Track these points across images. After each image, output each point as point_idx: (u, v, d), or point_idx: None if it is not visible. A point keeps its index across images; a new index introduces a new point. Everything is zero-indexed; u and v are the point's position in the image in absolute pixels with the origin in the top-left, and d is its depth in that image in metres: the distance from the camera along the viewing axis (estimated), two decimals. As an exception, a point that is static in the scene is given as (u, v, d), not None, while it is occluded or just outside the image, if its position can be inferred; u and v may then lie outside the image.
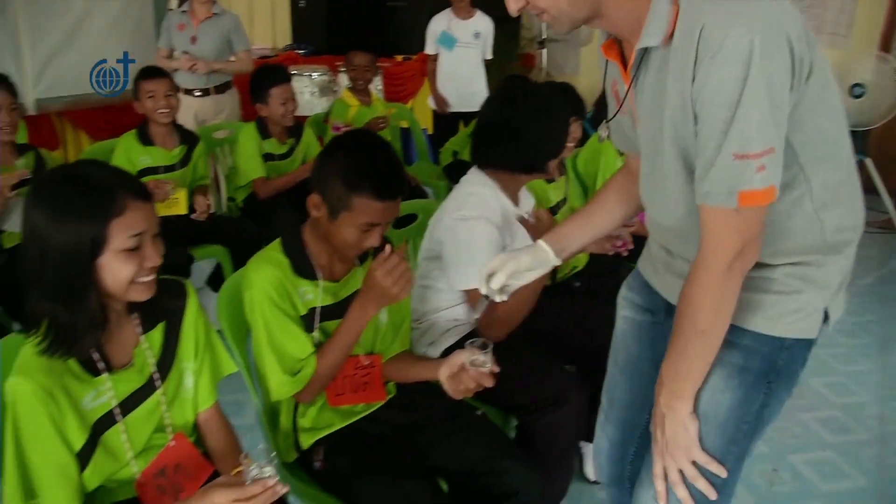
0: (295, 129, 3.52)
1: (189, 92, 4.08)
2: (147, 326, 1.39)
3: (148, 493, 1.37)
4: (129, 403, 1.34)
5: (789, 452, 2.57)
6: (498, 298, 1.45)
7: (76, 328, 1.22)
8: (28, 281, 1.22)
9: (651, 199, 1.32)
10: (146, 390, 1.37)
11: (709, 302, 1.14)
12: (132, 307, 1.36)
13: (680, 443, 1.24)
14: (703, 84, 1.04)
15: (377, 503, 1.51)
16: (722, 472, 1.24)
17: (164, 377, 1.39)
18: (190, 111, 4.03)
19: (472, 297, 1.94)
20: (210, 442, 1.50)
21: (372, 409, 1.71)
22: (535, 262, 1.47)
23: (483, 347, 1.48)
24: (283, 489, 1.18)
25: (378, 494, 1.51)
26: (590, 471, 2.36)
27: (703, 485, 1.24)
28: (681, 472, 1.25)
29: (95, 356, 1.29)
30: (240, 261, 2.86)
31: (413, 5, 6.18)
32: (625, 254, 2.28)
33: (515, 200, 2.08)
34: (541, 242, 1.49)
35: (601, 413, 1.58)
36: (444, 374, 1.56)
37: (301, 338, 1.57)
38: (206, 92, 4.13)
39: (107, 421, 1.31)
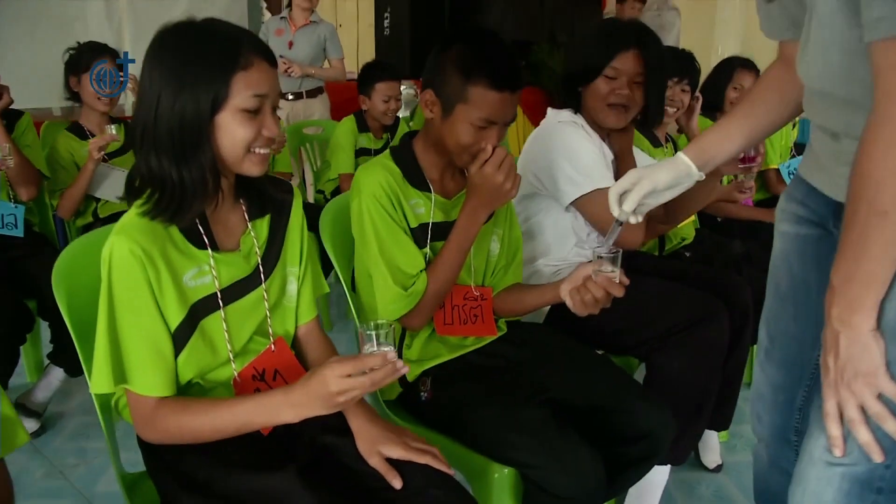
0: (391, 126, 3.48)
1: (282, 95, 4.13)
2: (253, 214, 1.29)
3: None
4: (232, 292, 1.23)
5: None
6: (633, 220, 1.29)
7: (185, 187, 1.11)
8: (137, 140, 1.13)
9: (805, 60, 1.06)
10: (250, 282, 1.26)
11: (891, 169, 0.86)
12: (240, 193, 1.27)
13: (860, 368, 0.93)
14: None
15: (494, 431, 1.33)
16: None
17: (268, 273, 1.29)
18: (282, 113, 4.10)
19: (583, 207, 1.82)
20: (311, 355, 1.38)
21: (482, 344, 1.56)
22: (675, 178, 1.28)
23: (613, 259, 1.32)
24: (403, 368, 1.04)
25: (495, 421, 1.34)
26: (709, 458, 2.12)
27: (893, 426, 0.93)
28: (862, 409, 0.95)
29: (201, 230, 1.19)
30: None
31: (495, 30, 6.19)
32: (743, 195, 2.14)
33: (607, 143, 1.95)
34: (681, 155, 1.29)
35: (760, 351, 1.29)
36: (565, 289, 1.39)
37: (412, 251, 1.45)
38: (298, 96, 4.20)
39: (208, 305, 1.20)
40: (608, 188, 1.73)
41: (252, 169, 1.17)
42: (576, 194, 1.78)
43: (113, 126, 2.60)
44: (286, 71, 4.01)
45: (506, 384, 1.44)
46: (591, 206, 1.79)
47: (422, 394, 1.46)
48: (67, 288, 1.24)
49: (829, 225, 1.13)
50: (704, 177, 1.29)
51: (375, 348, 1.06)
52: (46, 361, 2.37)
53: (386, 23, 6.35)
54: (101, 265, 1.11)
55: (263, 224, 1.30)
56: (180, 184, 1.11)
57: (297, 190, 1.38)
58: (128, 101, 4.10)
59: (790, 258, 1.22)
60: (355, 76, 5.97)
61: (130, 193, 1.16)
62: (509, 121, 1.44)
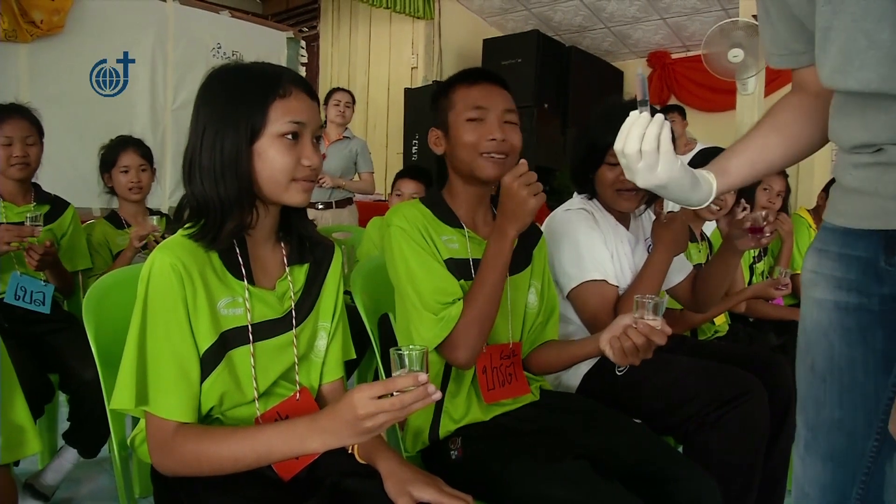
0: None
1: (312, 205, 4.25)
2: (293, 260, 1.29)
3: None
4: (262, 329, 1.21)
5: None
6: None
7: (223, 206, 1.14)
8: (185, 173, 1.17)
9: (830, 59, 0.88)
10: (281, 325, 1.24)
11: None
12: (282, 237, 1.29)
13: None
14: None
15: (531, 485, 1.25)
16: None
17: (300, 320, 1.27)
18: (311, 221, 4.20)
19: (574, 299, 1.78)
20: None
21: (516, 406, 1.51)
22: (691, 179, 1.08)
23: (654, 305, 1.28)
24: (435, 393, 0.99)
25: (531, 475, 1.26)
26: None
27: None
28: None
29: (240, 261, 1.20)
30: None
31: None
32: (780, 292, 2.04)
33: (625, 224, 1.95)
34: (700, 171, 1.12)
35: (798, 443, 1.06)
36: (605, 339, 1.35)
37: (444, 277, 1.43)
38: (328, 206, 4.33)
39: (237, 337, 1.18)
40: (600, 280, 1.74)
41: (296, 197, 1.19)
42: (568, 286, 1.78)
43: (155, 218, 2.67)
44: (318, 181, 4.14)
45: (541, 442, 1.36)
46: (580, 299, 1.78)
47: (452, 452, 1.39)
48: (96, 316, 1.24)
49: (879, 262, 0.93)
50: (718, 195, 1.12)
51: (406, 372, 1.01)
52: (60, 444, 2.31)
53: (414, 149, 6.59)
54: (139, 283, 1.12)
55: (301, 272, 1.31)
56: (220, 205, 1.14)
57: (339, 249, 1.39)
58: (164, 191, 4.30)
59: (830, 333, 0.99)
60: (383, 197, 6.20)
61: (178, 222, 1.19)
62: (503, 109, 1.47)
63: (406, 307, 1.43)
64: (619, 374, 1.69)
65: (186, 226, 1.17)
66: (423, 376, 0.97)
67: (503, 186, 1.40)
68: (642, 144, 1.00)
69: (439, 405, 1.45)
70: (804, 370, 1.02)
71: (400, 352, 1.01)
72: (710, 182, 1.11)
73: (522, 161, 1.41)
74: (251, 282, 1.21)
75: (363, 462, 1.20)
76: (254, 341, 1.19)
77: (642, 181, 1.04)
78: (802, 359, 1.03)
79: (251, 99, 1.14)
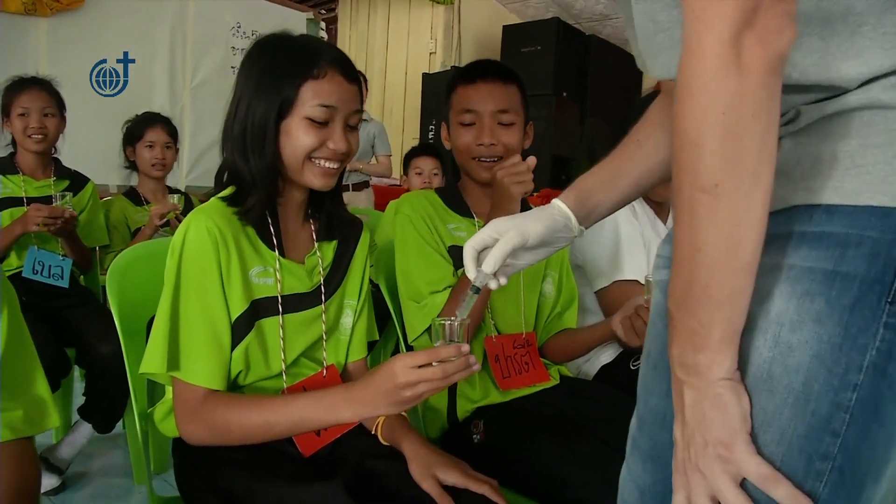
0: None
1: (331, 188, 4.26)
2: (321, 236, 1.29)
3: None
4: (291, 302, 1.21)
5: None
6: (493, 285, 0.98)
7: (254, 179, 1.14)
8: (222, 137, 1.18)
9: (644, 37, 0.76)
10: (309, 298, 1.24)
11: (710, 120, 0.57)
12: (312, 213, 1.28)
13: (711, 434, 0.63)
14: None
15: (554, 468, 1.23)
16: (802, 501, 0.60)
17: (328, 296, 1.26)
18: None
19: (601, 298, 1.77)
20: None
21: (535, 390, 1.50)
22: (550, 231, 0.96)
23: (666, 282, 1.26)
24: (476, 365, 0.98)
25: (554, 458, 1.24)
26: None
27: None
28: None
29: (272, 231, 1.20)
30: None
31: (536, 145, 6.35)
32: None
33: (663, 218, 1.91)
34: (557, 202, 0.99)
35: (629, 440, 0.92)
36: (616, 320, 1.37)
37: (438, 266, 1.44)
38: (344, 188, 4.25)
39: (268, 306, 1.17)
40: (632, 280, 1.70)
41: (313, 180, 1.16)
42: (598, 285, 1.77)
43: (175, 196, 2.68)
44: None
45: (561, 426, 1.35)
46: (606, 298, 1.77)
47: (474, 436, 1.37)
48: (120, 289, 1.23)
49: None
50: (585, 229, 1.01)
51: (447, 343, 1.00)
52: (75, 418, 2.31)
53: (430, 134, 6.56)
54: (172, 247, 1.11)
55: (330, 248, 1.30)
56: (251, 177, 1.14)
57: (367, 228, 1.37)
58: (181, 169, 4.32)
59: (665, 312, 0.85)
60: (398, 183, 6.19)
61: (217, 186, 1.20)
62: (494, 110, 1.46)
63: (400, 289, 1.46)
64: (633, 368, 1.68)
65: (224, 192, 1.17)
66: (465, 347, 0.97)
67: (494, 180, 1.42)
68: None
69: (453, 388, 1.44)
70: (643, 361, 0.90)
71: (443, 322, 0.99)
72: (569, 221, 0.99)
73: (516, 156, 1.43)
74: (282, 253, 1.20)
75: (386, 444, 1.19)
76: (283, 313, 1.18)
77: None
78: (644, 350, 0.90)
79: (285, 75, 1.12)
